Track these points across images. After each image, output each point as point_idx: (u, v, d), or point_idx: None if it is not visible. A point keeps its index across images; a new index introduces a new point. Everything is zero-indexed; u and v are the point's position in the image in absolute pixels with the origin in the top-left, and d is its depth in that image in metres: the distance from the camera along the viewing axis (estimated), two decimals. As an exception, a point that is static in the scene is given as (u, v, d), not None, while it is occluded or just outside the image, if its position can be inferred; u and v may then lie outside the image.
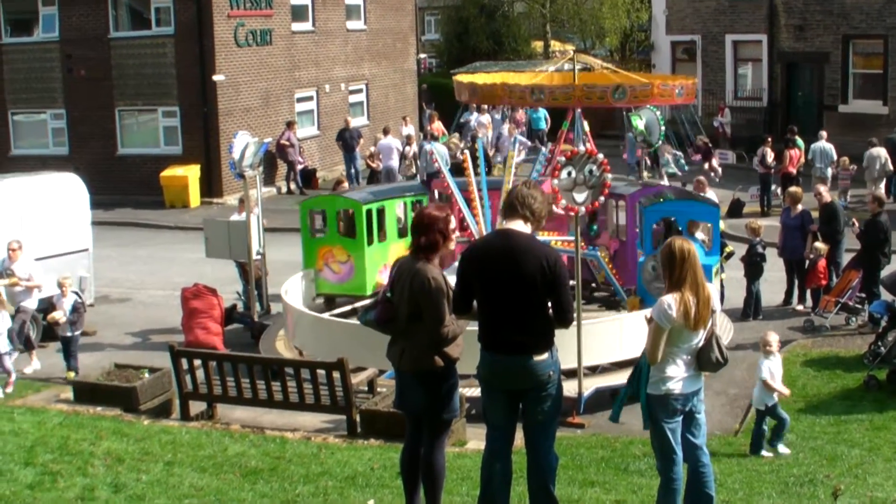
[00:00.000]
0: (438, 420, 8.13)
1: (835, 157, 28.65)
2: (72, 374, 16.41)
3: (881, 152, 28.08)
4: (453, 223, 8.15)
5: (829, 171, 28.53)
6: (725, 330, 16.76)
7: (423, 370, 8.00)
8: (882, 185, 28.11)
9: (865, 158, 28.17)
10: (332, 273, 18.82)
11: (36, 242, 18.63)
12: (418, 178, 30.00)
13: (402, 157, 31.83)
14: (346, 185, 21.43)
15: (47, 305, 18.06)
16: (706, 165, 31.06)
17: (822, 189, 20.29)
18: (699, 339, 7.99)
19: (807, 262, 19.31)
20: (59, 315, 16.82)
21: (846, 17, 36.73)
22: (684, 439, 8.09)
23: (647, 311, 8.48)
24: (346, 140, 34.83)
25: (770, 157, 28.32)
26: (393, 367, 8.44)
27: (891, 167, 28.17)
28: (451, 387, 8.13)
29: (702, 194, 19.83)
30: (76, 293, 17.31)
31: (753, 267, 18.93)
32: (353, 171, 34.41)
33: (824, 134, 29.82)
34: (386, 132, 32.83)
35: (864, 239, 18.46)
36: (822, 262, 18.92)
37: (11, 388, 15.68)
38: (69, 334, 16.92)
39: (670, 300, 7.86)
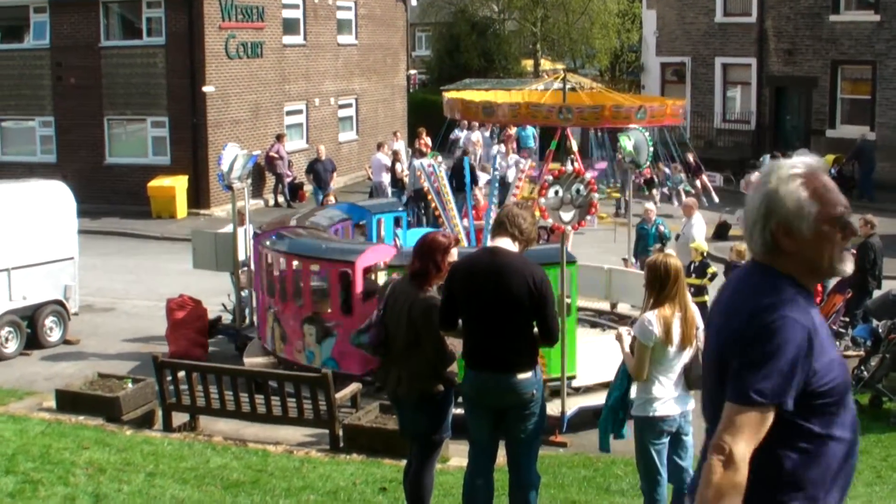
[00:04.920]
0: (431, 441, 8.13)
1: None
2: None
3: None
4: (454, 255, 8.05)
5: None
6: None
7: (423, 395, 7.99)
8: None
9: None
10: None
11: (21, 250, 18.62)
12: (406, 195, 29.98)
13: (392, 172, 31.70)
14: (332, 199, 21.34)
15: (32, 312, 18.09)
16: (698, 183, 31.09)
17: None
18: (685, 358, 7.99)
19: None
20: None
21: (835, 42, 36.93)
22: (670, 461, 8.09)
23: (620, 330, 8.51)
24: (319, 172, 32.54)
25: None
26: (388, 393, 8.39)
27: None
28: (448, 408, 8.12)
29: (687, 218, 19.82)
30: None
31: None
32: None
33: (779, 155, 30.97)
34: (379, 147, 32.73)
35: (855, 262, 18.31)
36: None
37: None
38: None
39: (651, 317, 7.87)
